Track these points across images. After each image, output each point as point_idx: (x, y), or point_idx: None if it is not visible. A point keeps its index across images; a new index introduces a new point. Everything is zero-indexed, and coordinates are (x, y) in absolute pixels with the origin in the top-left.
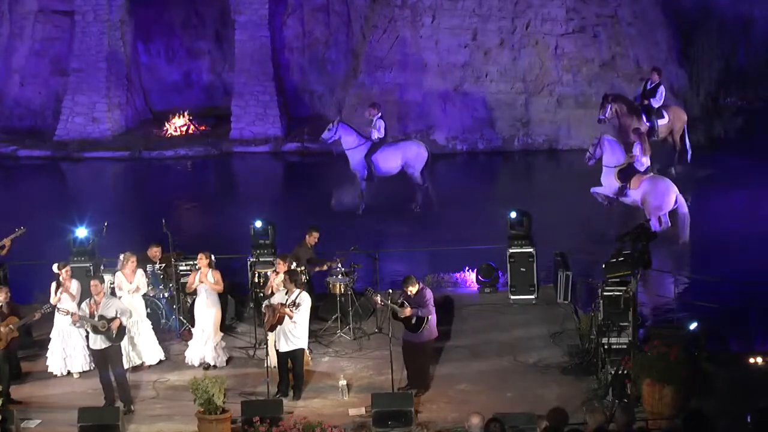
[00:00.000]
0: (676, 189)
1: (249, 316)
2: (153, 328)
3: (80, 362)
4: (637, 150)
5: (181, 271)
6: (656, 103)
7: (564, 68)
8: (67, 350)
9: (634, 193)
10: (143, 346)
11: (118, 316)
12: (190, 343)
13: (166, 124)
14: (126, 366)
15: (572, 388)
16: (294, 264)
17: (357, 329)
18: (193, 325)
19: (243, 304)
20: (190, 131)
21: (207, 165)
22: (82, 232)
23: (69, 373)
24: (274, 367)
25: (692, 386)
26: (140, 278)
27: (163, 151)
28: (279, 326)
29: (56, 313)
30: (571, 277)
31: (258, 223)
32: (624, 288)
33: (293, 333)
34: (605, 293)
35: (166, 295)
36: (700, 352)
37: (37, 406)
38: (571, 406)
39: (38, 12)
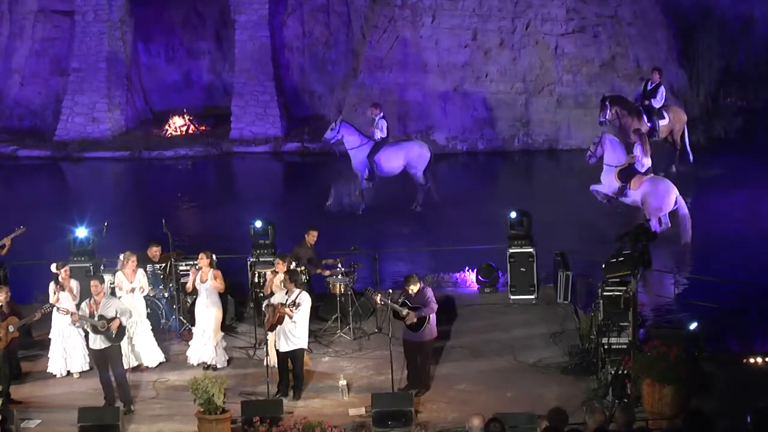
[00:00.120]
0: (676, 190)
1: (249, 316)
2: (153, 329)
3: (80, 362)
4: (637, 151)
5: (181, 271)
6: (657, 103)
7: (564, 68)
8: (68, 350)
9: (634, 194)
10: (142, 348)
11: (118, 316)
12: (191, 342)
13: (166, 124)
14: (126, 366)
15: (572, 388)
16: (294, 264)
17: (357, 329)
18: (193, 325)
19: (243, 304)
20: (190, 131)
21: (207, 165)
22: (82, 232)
23: (69, 373)
24: (274, 366)
25: (692, 386)
26: (141, 278)
27: (163, 151)
28: (279, 326)
29: (54, 313)
30: (571, 277)
31: (258, 223)
32: (624, 288)
33: (293, 333)
34: (605, 293)
35: (166, 295)
36: (700, 352)
37: (37, 406)
38: (571, 406)
39: (38, 12)
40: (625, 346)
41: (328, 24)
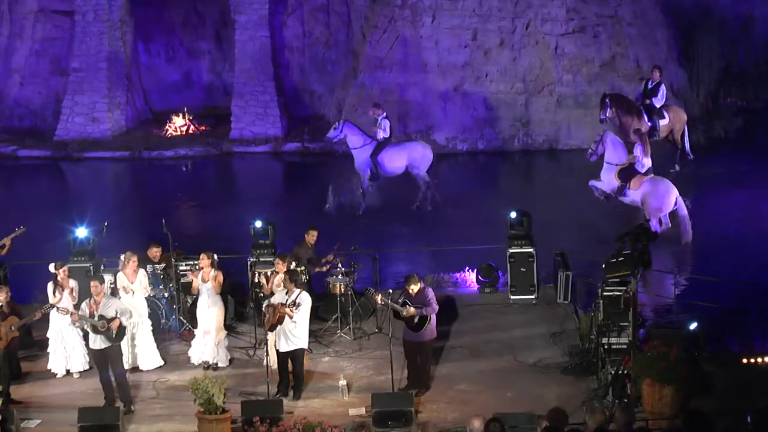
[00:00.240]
0: (676, 190)
1: (249, 316)
2: (153, 329)
3: (80, 361)
4: (638, 151)
5: (181, 271)
6: (658, 102)
7: (564, 68)
8: (68, 349)
9: (634, 194)
10: (140, 350)
11: (118, 316)
12: (192, 343)
13: (166, 124)
14: (126, 366)
15: (572, 388)
16: (294, 264)
17: (357, 329)
18: (193, 325)
19: (243, 304)
20: (190, 131)
21: (207, 165)
22: (82, 232)
23: (68, 372)
24: (273, 366)
25: (692, 386)
26: (142, 278)
27: (163, 151)
28: (279, 326)
29: (53, 313)
30: (571, 277)
31: (258, 223)
32: (624, 288)
33: (293, 333)
34: (605, 293)
35: (166, 295)
36: (700, 352)
37: (37, 406)
38: (571, 406)
39: (38, 12)
40: (625, 346)
41: (328, 24)
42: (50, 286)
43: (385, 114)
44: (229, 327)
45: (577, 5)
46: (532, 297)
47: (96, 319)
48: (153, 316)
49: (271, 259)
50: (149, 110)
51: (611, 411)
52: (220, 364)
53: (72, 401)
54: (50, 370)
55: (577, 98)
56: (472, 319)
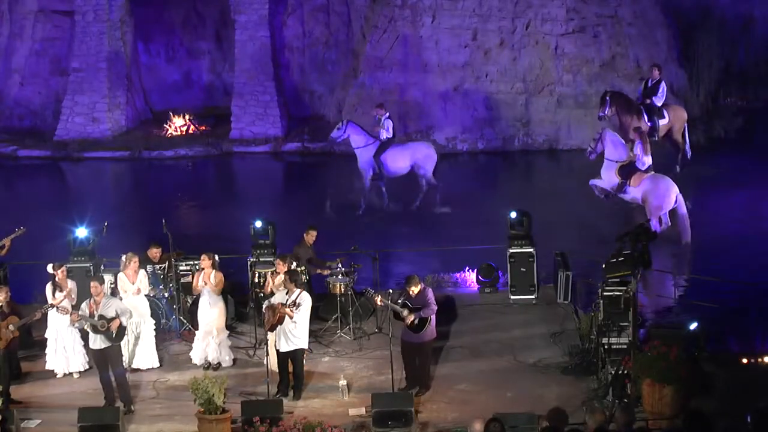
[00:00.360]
0: (676, 188)
1: (249, 316)
2: (154, 329)
3: (80, 361)
4: (638, 149)
5: (181, 271)
6: (658, 100)
7: (564, 68)
8: (67, 348)
9: (635, 191)
10: (139, 349)
11: (118, 316)
12: (194, 344)
13: (166, 124)
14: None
15: (572, 388)
16: (294, 264)
17: (357, 329)
18: (193, 325)
19: (243, 304)
20: (190, 131)
21: (207, 165)
22: (82, 232)
23: (68, 372)
24: (273, 365)
25: (692, 386)
26: (143, 279)
27: (163, 151)
28: (279, 326)
29: (51, 313)
30: (571, 277)
31: (258, 223)
32: (624, 288)
33: (293, 333)
34: (605, 293)
35: (166, 295)
36: (700, 352)
37: (37, 406)
38: (571, 406)
39: (38, 12)
40: (625, 346)
41: (328, 24)
42: (49, 286)
43: (388, 114)
44: (229, 327)
45: (577, 5)
46: (532, 297)
47: (96, 319)
48: (153, 316)
49: (271, 259)
50: (149, 110)
51: (611, 411)
52: (224, 364)
53: (72, 401)
54: (49, 370)
55: (577, 98)
56: (472, 319)
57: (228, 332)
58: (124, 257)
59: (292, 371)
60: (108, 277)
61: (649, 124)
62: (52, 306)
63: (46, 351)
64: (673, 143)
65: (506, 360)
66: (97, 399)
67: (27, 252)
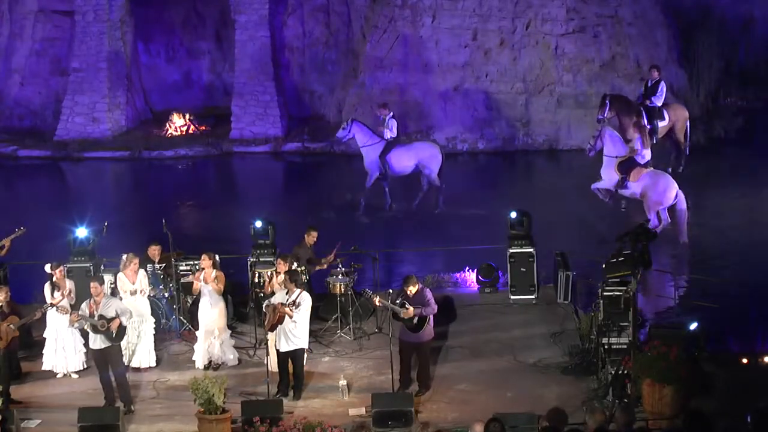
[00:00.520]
0: (676, 185)
1: (249, 316)
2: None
3: (80, 360)
4: (637, 144)
5: (181, 271)
6: (657, 100)
7: (564, 68)
8: (66, 349)
9: (634, 186)
10: (138, 348)
11: (118, 315)
12: (195, 346)
13: (166, 124)
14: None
15: (572, 388)
16: (295, 264)
17: (357, 329)
18: (193, 325)
19: (243, 304)
20: (190, 131)
21: (207, 165)
22: (82, 232)
23: (66, 372)
24: (273, 365)
25: (692, 386)
26: (142, 279)
27: (163, 151)
28: (279, 326)
29: (50, 313)
30: (571, 277)
31: (258, 223)
32: (624, 288)
33: (293, 333)
34: (605, 293)
35: (166, 295)
36: (700, 352)
37: (37, 406)
38: (571, 406)
39: (38, 12)
40: (625, 346)
41: (328, 24)
42: (47, 286)
43: (392, 114)
44: (229, 327)
45: (577, 5)
46: (532, 297)
47: (96, 318)
48: (153, 315)
49: (271, 259)
50: (149, 110)
51: (611, 411)
52: (229, 364)
53: (72, 401)
54: (47, 370)
55: (577, 98)
56: (472, 319)
57: (230, 332)
58: (125, 257)
59: (292, 371)
60: (108, 277)
61: (648, 126)
62: (52, 305)
63: (44, 350)
64: (675, 142)
65: (506, 360)
66: (97, 399)
67: (27, 252)
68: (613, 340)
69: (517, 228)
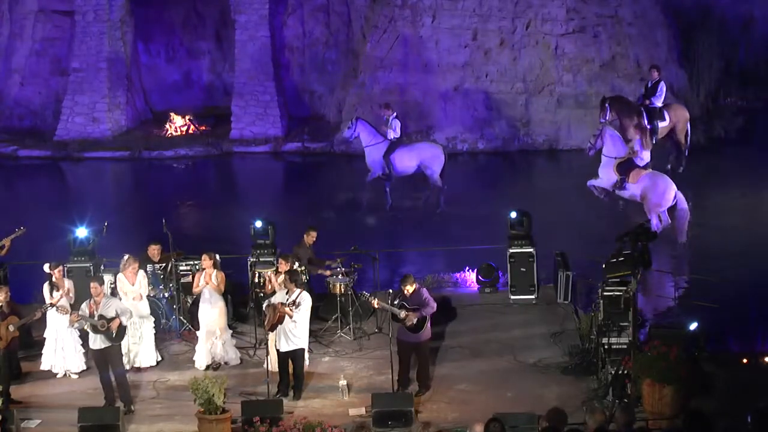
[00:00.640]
0: (674, 186)
1: (249, 316)
2: (154, 329)
3: (79, 361)
4: (637, 146)
5: (181, 271)
6: (657, 100)
7: (564, 68)
8: (66, 349)
9: (633, 188)
10: (140, 348)
11: (118, 315)
12: (197, 347)
13: (166, 124)
14: (126, 366)
15: (572, 388)
16: (296, 264)
17: (357, 329)
18: (193, 325)
19: (243, 304)
20: (190, 131)
21: (207, 165)
22: (82, 232)
23: (65, 373)
24: (273, 365)
25: (692, 386)
26: (142, 280)
27: (163, 151)
28: (279, 326)
29: (50, 313)
30: (571, 277)
31: (258, 223)
32: (624, 288)
33: (293, 333)
34: (605, 293)
35: (166, 295)
36: (700, 352)
37: (37, 406)
38: (571, 406)
39: (38, 12)
40: (625, 346)
41: (328, 24)
42: (46, 286)
43: (395, 114)
44: (230, 327)
45: (577, 5)
46: (532, 297)
47: (96, 319)
48: (153, 315)
49: (271, 259)
50: (149, 110)
51: (611, 411)
52: (232, 363)
53: (72, 401)
54: (45, 369)
55: (577, 98)
56: (472, 319)
57: (231, 331)
58: (126, 257)
59: (292, 371)
60: (108, 277)
61: (649, 127)
62: (52, 305)
63: (44, 350)
64: (675, 143)
65: (506, 360)
66: (97, 399)
67: (27, 252)
68: (613, 340)
69: (517, 228)
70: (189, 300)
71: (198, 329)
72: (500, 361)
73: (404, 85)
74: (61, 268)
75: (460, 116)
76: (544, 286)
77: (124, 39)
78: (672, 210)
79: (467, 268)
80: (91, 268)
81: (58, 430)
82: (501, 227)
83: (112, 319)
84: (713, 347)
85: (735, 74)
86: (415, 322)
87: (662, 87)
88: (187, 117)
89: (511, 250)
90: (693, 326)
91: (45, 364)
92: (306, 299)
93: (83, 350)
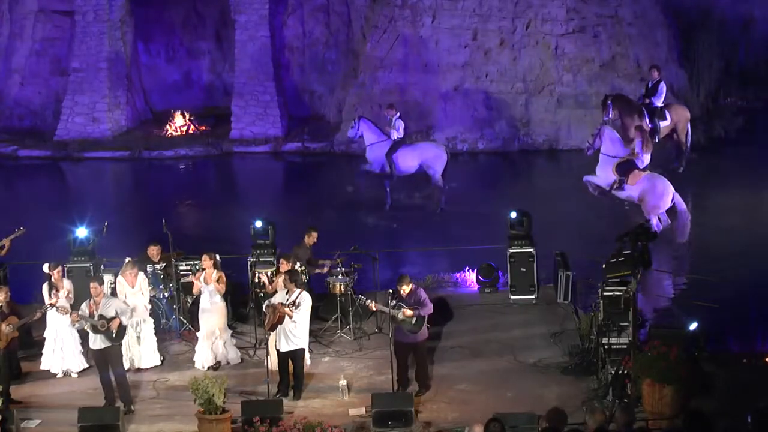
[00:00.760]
0: (672, 188)
1: (249, 316)
2: (154, 329)
3: (78, 361)
4: (638, 147)
5: (181, 271)
6: (657, 100)
7: (564, 68)
8: (65, 349)
9: (632, 189)
10: (141, 349)
11: (118, 315)
12: (198, 348)
13: (166, 124)
14: (126, 366)
15: (572, 388)
16: (297, 264)
17: (357, 329)
18: (193, 325)
19: (243, 304)
20: (190, 131)
21: (207, 165)
22: (82, 232)
23: (64, 373)
24: (273, 365)
25: (692, 386)
26: (142, 282)
27: (163, 151)
28: (279, 326)
29: (50, 313)
30: (571, 277)
31: (258, 223)
32: (624, 288)
33: (293, 333)
34: (605, 293)
35: (166, 295)
36: (700, 352)
37: (37, 406)
38: (571, 406)
39: (38, 12)
40: (625, 346)
41: (328, 24)
42: (45, 286)
43: (398, 114)
44: (229, 327)
45: (577, 5)
46: (532, 297)
47: (96, 319)
48: (153, 316)
49: (271, 259)
50: (149, 110)
51: (611, 411)
52: (232, 363)
53: (72, 401)
54: (46, 369)
55: (577, 98)
56: (472, 319)
57: (231, 331)
58: (127, 260)
59: (292, 371)
60: (108, 278)
61: (650, 125)
62: (52, 306)
63: (43, 350)
64: (675, 143)
65: (506, 360)
66: (97, 399)
67: (27, 252)
68: (613, 340)
69: (517, 228)
70: (189, 300)
71: (198, 329)
72: (500, 361)
73: (404, 85)
74: (60, 268)
75: (460, 116)
76: (544, 286)
77: (124, 39)
78: (672, 211)
79: (467, 268)
80: (91, 268)
81: (58, 430)
82: (501, 227)
83: (112, 319)
84: (713, 347)
85: (735, 74)
86: (414, 322)
87: (662, 87)
88: (187, 117)
89: (511, 250)
90: (693, 326)
91: (45, 364)
92: (306, 299)
93: (83, 350)
